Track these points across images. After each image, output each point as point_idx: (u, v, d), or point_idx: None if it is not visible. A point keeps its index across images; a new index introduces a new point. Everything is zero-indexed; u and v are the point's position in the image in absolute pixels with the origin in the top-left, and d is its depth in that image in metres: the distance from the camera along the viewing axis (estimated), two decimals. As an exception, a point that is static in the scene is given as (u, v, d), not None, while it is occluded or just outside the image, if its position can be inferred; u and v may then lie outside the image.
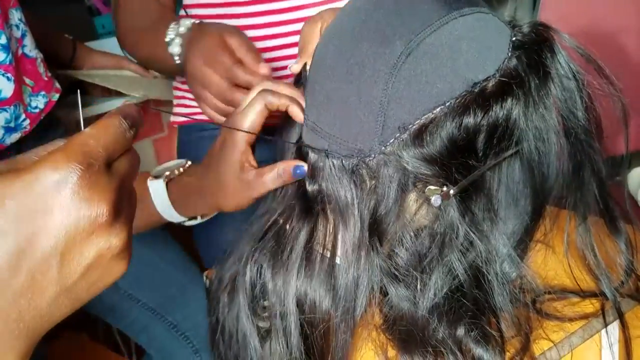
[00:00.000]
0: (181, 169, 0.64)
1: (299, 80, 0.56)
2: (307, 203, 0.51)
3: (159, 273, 0.95)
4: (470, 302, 0.45)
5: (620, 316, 0.50)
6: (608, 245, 0.52)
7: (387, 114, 0.44)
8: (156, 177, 0.64)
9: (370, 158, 0.46)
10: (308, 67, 0.54)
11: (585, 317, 0.51)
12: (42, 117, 0.86)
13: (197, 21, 0.70)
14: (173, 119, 0.96)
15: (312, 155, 0.51)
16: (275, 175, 0.54)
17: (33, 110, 0.85)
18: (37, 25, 0.92)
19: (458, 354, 0.45)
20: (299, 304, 0.50)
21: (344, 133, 0.47)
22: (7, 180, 0.30)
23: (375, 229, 0.47)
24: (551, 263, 0.53)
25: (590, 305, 0.52)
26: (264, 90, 0.55)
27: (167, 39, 0.69)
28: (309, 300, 0.49)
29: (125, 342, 1.17)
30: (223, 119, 0.65)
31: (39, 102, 0.86)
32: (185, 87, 0.93)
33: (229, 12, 0.82)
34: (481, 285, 0.46)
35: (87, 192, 0.31)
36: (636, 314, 0.51)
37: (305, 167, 0.51)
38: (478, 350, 0.45)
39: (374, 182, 0.47)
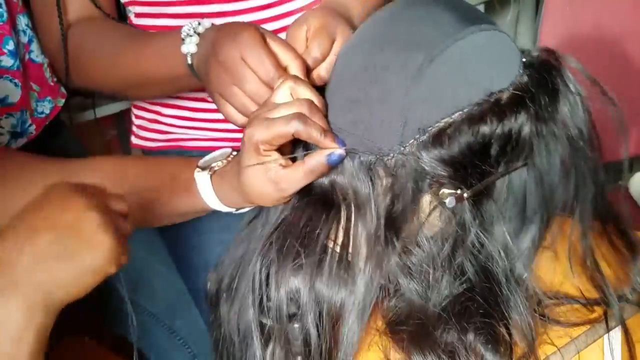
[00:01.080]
0: (225, 161, 0.63)
1: None
2: (322, 198, 0.52)
3: (159, 278, 0.95)
4: (481, 304, 0.47)
5: (623, 322, 0.50)
6: (612, 255, 0.54)
7: (408, 117, 0.47)
8: (202, 168, 0.63)
9: (389, 157, 0.48)
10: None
11: (589, 322, 0.51)
12: (47, 122, 0.87)
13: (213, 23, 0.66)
14: (136, 141, 0.89)
15: None
16: (308, 170, 0.51)
17: (39, 116, 0.85)
18: None
19: (469, 356, 0.46)
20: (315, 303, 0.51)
21: (365, 133, 0.49)
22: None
23: (392, 225, 0.49)
24: (558, 269, 0.54)
25: (593, 312, 0.52)
26: (299, 115, 0.50)
27: (182, 35, 0.64)
28: (321, 299, 0.50)
29: (128, 345, 1.17)
30: (244, 119, 0.60)
31: (45, 108, 0.86)
32: (157, 109, 0.85)
33: (208, 11, 0.77)
34: (491, 287, 0.48)
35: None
36: (638, 320, 0.52)
37: (341, 150, 0.50)
38: (488, 355, 0.46)
39: (390, 180, 0.49)
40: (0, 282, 0.43)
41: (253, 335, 0.54)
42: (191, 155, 0.83)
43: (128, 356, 1.14)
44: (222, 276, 0.61)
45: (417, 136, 0.47)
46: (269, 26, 0.78)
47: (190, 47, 0.64)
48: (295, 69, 0.57)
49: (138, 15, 0.81)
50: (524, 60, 0.50)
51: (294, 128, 0.49)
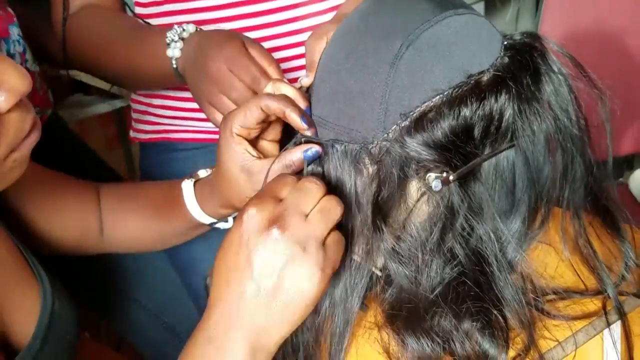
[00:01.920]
0: (209, 170, 0.65)
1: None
2: None
3: (158, 272, 0.95)
4: (474, 289, 0.47)
5: (621, 314, 0.50)
6: (607, 243, 0.53)
7: (389, 103, 0.47)
8: (189, 178, 0.66)
9: (373, 145, 0.48)
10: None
11: (589, 315, 0.51)
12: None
13: (199, 28, 0.69)
14: (134, 134, 0.91)
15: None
16: (283, 163, 0.53)
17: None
18: (25, 18, 0.89)
19: (464, 343, 0.46)
20: None
21: (349, 123, 0.50)
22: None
23: (379, 212, 0.49)
24: (551, 263, 0.53)
25: (592, 304, 0.52)
26: (266, 94, 0.54)
27: (167, 40, 0.68)
28: None
29: (126, 341, 1.17)
30: None
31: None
32: (148, 100, 0.87)
33: (219, 16, 0.81)
34: (484, 270, 0.48)
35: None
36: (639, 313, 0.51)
37: (317, 147, 0.51)
38: (484, 342, 0.46)
39: (375, 167, 0.49)
40: (225, 324, 0.45)
41: None
42: (178, 149, 0.84)
43: (125, 352, 1.14)
44: None
45: (399, 122, 0.47)
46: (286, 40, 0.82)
47: (174, 51, 0.68)
48: (273, 72, 0.62)
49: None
50: (505, 43, 0.50)
51: (264, 102, 0.52)
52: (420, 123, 0.47)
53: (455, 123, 0.46)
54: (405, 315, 0.48)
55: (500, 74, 0.47)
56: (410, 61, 0.47)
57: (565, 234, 0.53)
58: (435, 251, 0.48)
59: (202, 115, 0.80)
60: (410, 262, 0.48)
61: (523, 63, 0.48)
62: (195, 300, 0.89)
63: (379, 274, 0.51)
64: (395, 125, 0.48)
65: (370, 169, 0.49)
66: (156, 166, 0.85)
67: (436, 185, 0.47)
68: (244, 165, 0.55)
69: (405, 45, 0.47)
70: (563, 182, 0.50)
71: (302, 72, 0.60)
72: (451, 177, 0.47)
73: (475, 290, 0.47)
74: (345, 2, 0.79)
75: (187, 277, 0.87)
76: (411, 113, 0.47)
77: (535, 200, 0.50)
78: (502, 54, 0.49)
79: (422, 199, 0.49)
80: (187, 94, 0.77)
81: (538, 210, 0.51)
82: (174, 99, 0.83)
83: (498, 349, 0.46)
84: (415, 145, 0.47)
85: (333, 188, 0.51)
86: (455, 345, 0.46)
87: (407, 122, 0.47)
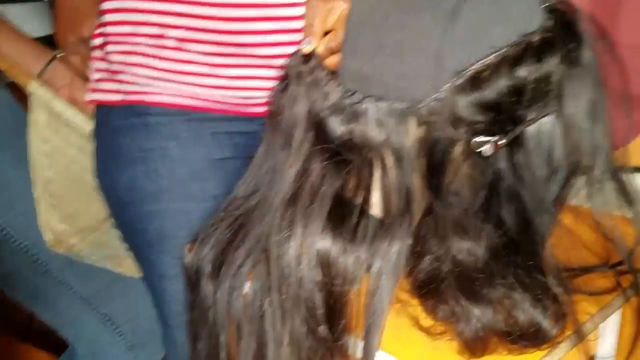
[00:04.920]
0: None
1: (308, 61, 0.52)
2: (345, 153, 0.48)
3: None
4: (522, 256, 0.46)
5: (638, 287, 0.51)
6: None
7: (444, 59, 0.45)
8: None
9: (423, 104, 0.46)
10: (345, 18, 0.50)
11: (608, 291, 0.52)
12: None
13: None
14: (93, 95, 0.79)
15: (352, 102, 0.48)
16: None
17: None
18: None
19: (517, 312, 0.45)
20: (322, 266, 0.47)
21: (397, 80, 0.46)
22: None
23: (431, 178, 0.47)
24: (573, 243, 0.53)
25: (606, 280, 0.53)
26: None
27: None
28: (355, 263, 0.46)
29: (46, 334, 1.03)
30: None
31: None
32: (122, 58, 0.75)
33: None
34: (530, 239, 0.47)
35: None
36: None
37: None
38: (536, 314, 0.45)
39: (424, 129, 0.46)
40: None
41: (266, 314, 0.49)
42: (152, 113, 0.74)
43: (54, 349, 1.00)
44: (204, 252, 0.56)
45: (454, 79, 0.45)
46: None
47: None
48: None
49: None
50: (544, 5, 0.49)
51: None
52: (475, 82, 0.44)
53: (511, 84, 0.45)
54: (457, 284, 0.46)
55: (549, 35, 0.46)
56: (467, 16, 0.44)
57: (579, 210, 0.53)
58: (486, 218, 0.46)
59: (186, 78, 0.71)
60: (461, 231, 0.46)
61: (565, 26, 0.48)
62: None
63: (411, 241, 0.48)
64: (448, 84, 0.45)
65: (416, 131, 0.46)
66: (120, 132, 0.75)
67: (487, 149, 0.45)
68: None
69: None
70: (598, 152, 0.49)
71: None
72: (502, 142, 0.45)
73: (522, 257, 0.46)
74: None
75: None
76: (467, 71, 0.44)
77: (574, 169, 0.49)
78: (546, 16, 0.48)
79: (467, 162, 0.47)
80: (169, 53, 0.69)
81: (575, 179, 0.50)
82: (154, 57, 0.73)
83: (549, 320, 0.45)
84: (468, 106, 0.45)
85: (366, 150, 0.47)
86: (515, 314, 0.45)
87: (461, 81, 0.45)
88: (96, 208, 0.80)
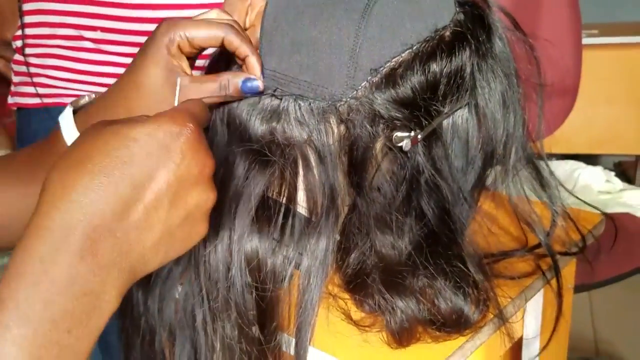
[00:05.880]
0: (93, 95, 0.51)
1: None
2: (262, 152, 0.47)
3: None
4: (443, 247, 0.47)
5: (557, 269, 0.53)
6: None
7: (359, 57, 0.45)
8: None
9: (342, 102, 0.46)
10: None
11: (528, 274, 0.54)
12: None
13: None
14: (13, 99, 0.77)
15: (271, 101, 0.47)
16: (218, 86, 0.46)
17: None
18: None
19: (439, 300, 0.46)
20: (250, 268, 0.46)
21: (314, 78, 0.46)
22: (133, 125, 0.35)
23: (353, 175, 0.47)
24: (485, 230, 0.55)
25: (526, 265, 0.55)
26: (232, 26, 0.47)
27: None
28: (283, 263, 0.46)
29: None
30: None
31: None
32: (40, 61, 0.74)
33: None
34: (449, 228, 0.48)
35: (199, 145, 0.36)
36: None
37: (259, 82, 0.46)
38: (457, 301, 0.46)
39: (343, 127, 0.47)
40: None
41: (197, 320, 0.48)
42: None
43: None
44: None
45: (369, 77, 0.45)
46: None
47: None
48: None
49: None
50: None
51: (226, 32, 0.46)
52: (390, 79, 0.45)
53: (424, 79, 0.46)
54: (383, 278, 0.46)
55: (460, 29, 0.48)
56: (381, 12, 0.45)
57: (496, 198, 0.55)
58: (406, 211, 0.47)
59: (102, 80, 0.70)
60: (384, 224, 0.47)
61: (475, 18, 0.49)
62: None
63: (338, 237, 0.48)
64: (365, 82, 0.45)
65: (336, 129, 0.47)
66: (38, 136, 0.72)
67: (406, 144, 0.46)
68: (170, 78, 0.45)
69: None
70: (512, 140, 0.51)
71: None
72: (420, 136, 0.46)
73: (443, 247, 0.47)
74: None
75: None
76: (381, 68, 0.45)
77: (489, 158, 0.51)
78: (457, 9, 0.49)
79: (387, 157, 0.47)
80: (86, 55, 0.67)
81: (491, 167, 0.52)
82: (71, 60, 0.71)
83: (471, 306, 0.46)
84: (385, 103, 0.45)
85: (289, 149, 0.47)
86: (437, 303, 0.46)
87: (377, 78, 0.45)
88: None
